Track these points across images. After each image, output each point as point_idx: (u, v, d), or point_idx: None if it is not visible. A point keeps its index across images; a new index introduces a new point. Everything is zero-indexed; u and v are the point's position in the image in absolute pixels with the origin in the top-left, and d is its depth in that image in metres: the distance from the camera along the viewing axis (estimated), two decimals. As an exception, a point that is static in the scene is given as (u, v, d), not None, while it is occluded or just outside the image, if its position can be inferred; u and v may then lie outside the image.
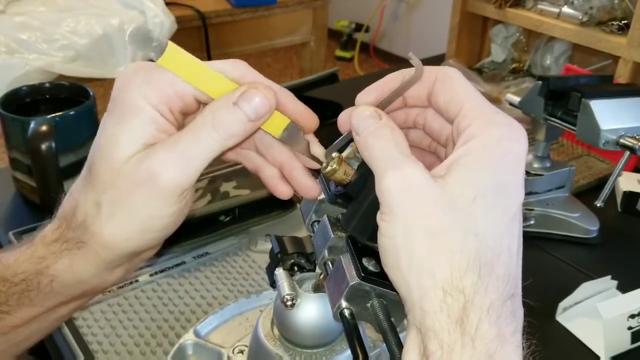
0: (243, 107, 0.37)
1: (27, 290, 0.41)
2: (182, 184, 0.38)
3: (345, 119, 0.39)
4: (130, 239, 0.40)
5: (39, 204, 0.91)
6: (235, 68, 0.39)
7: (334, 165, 0.40)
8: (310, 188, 0.42)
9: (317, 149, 0.42)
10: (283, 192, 0.43)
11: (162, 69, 0.37)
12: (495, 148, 0.33)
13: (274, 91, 0.39)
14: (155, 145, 0.38)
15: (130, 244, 0.40)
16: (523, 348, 0.32)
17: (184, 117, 0.40)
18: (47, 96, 0.98)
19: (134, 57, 1.58)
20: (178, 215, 0.40)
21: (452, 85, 0.37)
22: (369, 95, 0.39)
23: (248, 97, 0.37)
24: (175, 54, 0.37)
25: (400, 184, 0.32)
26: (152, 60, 0.38)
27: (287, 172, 0.42)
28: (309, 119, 0.41)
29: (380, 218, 0.33)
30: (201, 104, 0.40)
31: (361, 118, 0.37)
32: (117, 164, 0.37)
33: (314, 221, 0.44)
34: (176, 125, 0.39)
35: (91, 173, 0.39)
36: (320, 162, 0.42)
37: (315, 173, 0.43)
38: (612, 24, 1.22)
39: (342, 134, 0.40)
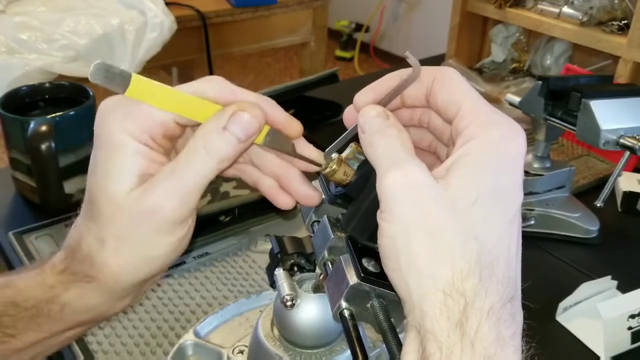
0: (233, 129, 0.37)
1: (37, 316, 0.41)
2: (184, 213, 0.38)
3: (350, 114, 0.39)
4: (138, 268, 0.40)
5: (39, 204, 0.91)
6: (211, 86, 0.39)
7: (334, 166, 0.40)
8: (310, 196, 0.42)
9: (313, 152, 0.42)
10: (284, 202, 0.43)
11: (138, 100, 0.37)
12: (494, 149, 0.33)
13: (260, 107, 0.39)
14: (153, 178, 0.38)
15: (139, 274, 0.40)
16: (522, 351, 0.32)
17: (171, 141, 0.40)
18: (47, 96, 0.98)
19: (134, 58, 1.58)
20: (183, 239, 0.40)
21: (451, 85, 0.37)
22: (366, 94, 0.39)
23: (237, 119, 0.37)
24: (141, 84, 0.37)
25: (402, 183, 0.33)
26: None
27: (285, 183, 0.42)
28: (292, 126, 0.41)
29: (380, 217, 0.33)
30: (186, 127, 0.40)
31: (368, 117, 0.37)
32: (117, 199, 0.37)
33: (314, 221, 0.44)
34: (163, 151, 0.39)
35: (92, 207, 0.39)
36: (318, 165, 0.42)
37: (315, 174, 0.43)
38: (612, 24, 1.22)
39: (342, 133, 0.40)
